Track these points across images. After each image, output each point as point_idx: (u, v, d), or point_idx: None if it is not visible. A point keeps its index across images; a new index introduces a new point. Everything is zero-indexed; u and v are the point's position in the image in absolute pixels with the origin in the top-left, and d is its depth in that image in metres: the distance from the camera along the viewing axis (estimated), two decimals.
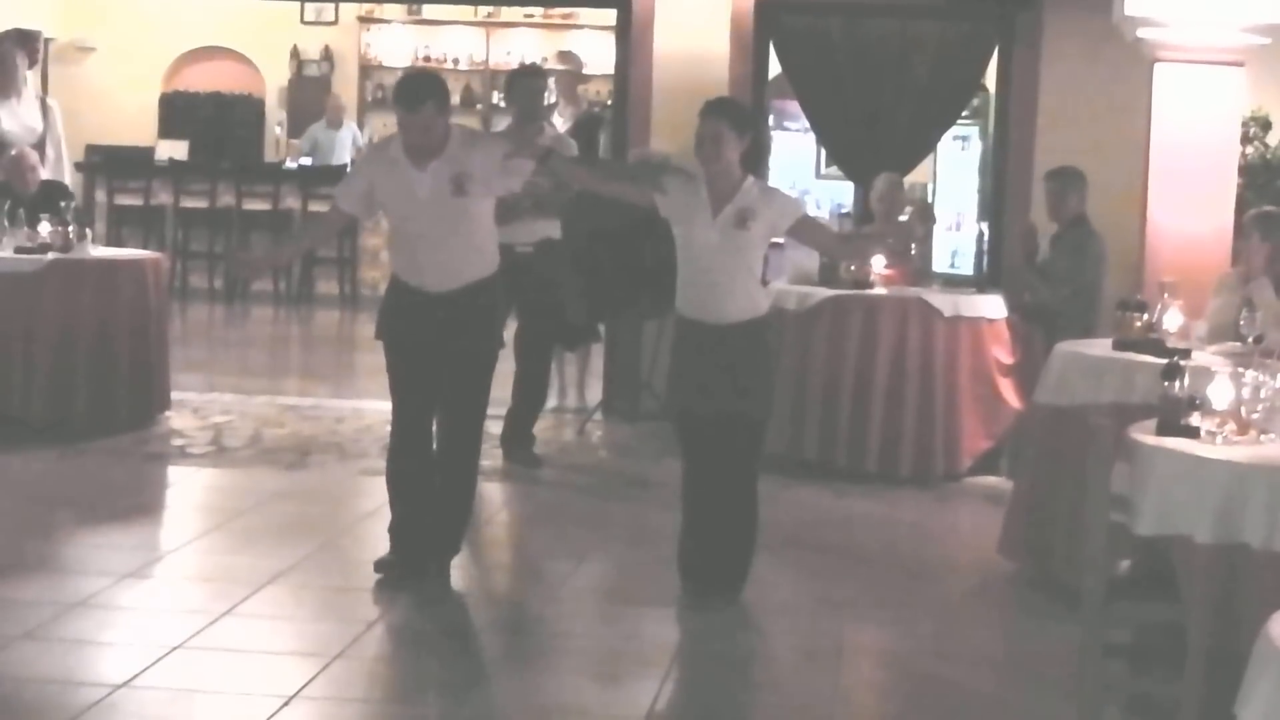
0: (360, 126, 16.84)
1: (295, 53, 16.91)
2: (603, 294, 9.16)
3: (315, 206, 15.35)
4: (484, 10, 16.78)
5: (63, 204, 9.18)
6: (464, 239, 6.17)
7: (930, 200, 9.01)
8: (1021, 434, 8.08)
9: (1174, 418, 4.70)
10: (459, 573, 6.76)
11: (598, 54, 15.04)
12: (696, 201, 6.05)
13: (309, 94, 16.86)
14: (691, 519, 6.25)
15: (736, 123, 6.09)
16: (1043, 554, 6.55)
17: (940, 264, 10.91)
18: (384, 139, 6.57)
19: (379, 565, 6.29)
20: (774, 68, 10.76)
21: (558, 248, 8.42)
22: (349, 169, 6.77)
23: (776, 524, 7.61)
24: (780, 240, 6.39)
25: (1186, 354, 5.95)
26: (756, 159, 6.24)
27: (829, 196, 13.31)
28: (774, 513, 7.79)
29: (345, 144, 15.77)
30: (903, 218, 9.31)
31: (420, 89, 6.07)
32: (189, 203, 15.47)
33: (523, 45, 16.59)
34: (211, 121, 16.48)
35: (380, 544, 6.52)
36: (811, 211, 8.54)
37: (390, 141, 6.29)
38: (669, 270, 6.28)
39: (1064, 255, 8.69)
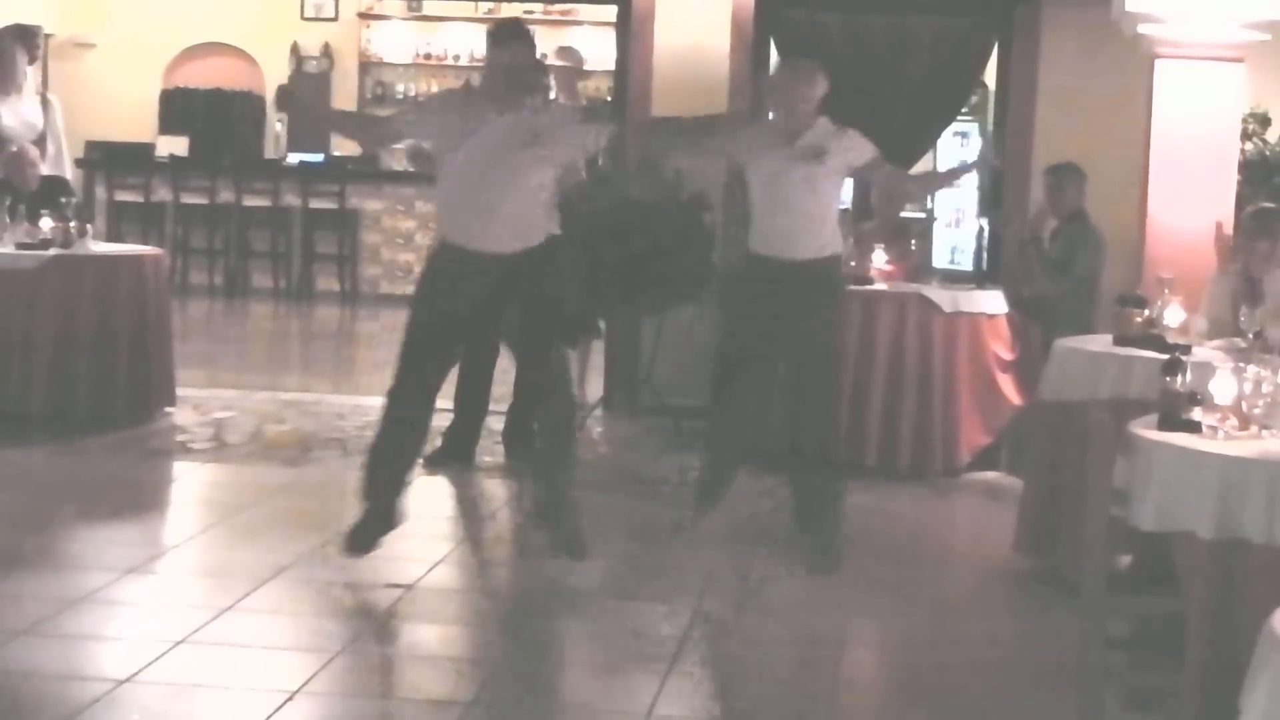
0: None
1: (295, 49, 16.90)
2: (603, 289, 9.15)
3: (316, 203, 15.37)
4: (484, 6, 16.78)
5: (63, 200, 9.18)
6: (527, 195, 6.12)
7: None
8: (1021, 429, 8.09)
9: (1174, 413, 4.71)
10: (461, 569, 6.78)
11: (598, 50, 15.03)
12: (771, 139, 6.22)
13: (309, 90, 16.84)
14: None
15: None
16: (1046, 549, 6.56)
17: (940, 259, 10.93)
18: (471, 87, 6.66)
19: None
20: (774, 64, 10.76)
21: (558, 241, 8.41)
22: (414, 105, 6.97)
23: (775, 518, 7.62)
24: None
25: (1187, 349, 5.96)
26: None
27: None
28: (772, 509, 7.81)
29: None
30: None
31: (515, 27, 6.23)
32: (189, 199, 15.47)
33: None
34: (211, 118, 16.47)
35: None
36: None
37: (468, 90, 6.39)
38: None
39: (1062, 249, 8.71)
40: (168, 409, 9.22)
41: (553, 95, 9.27)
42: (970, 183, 12.12)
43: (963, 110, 11.15)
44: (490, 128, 6.04)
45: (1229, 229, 8.12)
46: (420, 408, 6.34)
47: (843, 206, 10.46)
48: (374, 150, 13.77)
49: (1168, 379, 4.77)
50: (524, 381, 8.55)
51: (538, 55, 6.30)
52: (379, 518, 6.32)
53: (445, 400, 8.62)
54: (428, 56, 17.02)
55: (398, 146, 6.41)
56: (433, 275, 6.29)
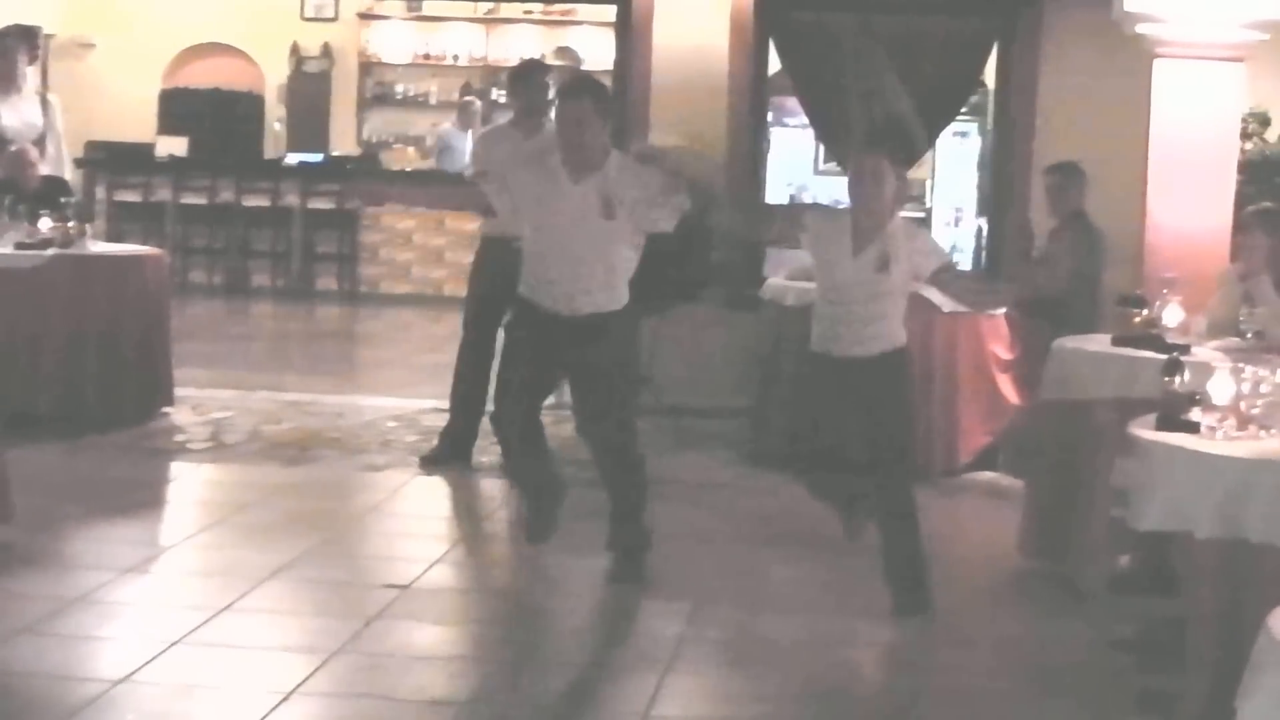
0: (360, 125, 16.84)
1: (295, 49, 16.91)
2: None
3: (315, 203, 15.37)
4: (484, 7, 16.80)
5: (63, 200, 9.18)
6: (601, 264, 6.03)
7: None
8: (1021, 430, 8.08)
9: (1175, 413, 4.70)
10: (458, 569, 6.77)
11: (597, 50, 15.05)
12: (841, 237, 5.98)
13: (309, 90, 16.86)
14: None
15: (895, 158, 6.10)
16: (1049, 549, 6.55)
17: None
18: (545, 137, 6.53)
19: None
20: (773, 64, 10.76)
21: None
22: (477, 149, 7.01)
23: (775, 520, 7.62)
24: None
25: (1187, 350, 5.95)
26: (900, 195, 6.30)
27: (827, 193, 13.30)
28: (773, 509, 7.80)
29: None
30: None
31: (579, 85, 6.09)
32: (189, 199, 15.47)
33: (522, 41, 16.58)
34: (212, 118, 16.48)
35: (379, 542, 6.53)
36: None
37: (548, 143, 6.18)
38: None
39: (1062, 249, 8.69)
40: (165, 409, 9.22)
41: (551, 95, 9.30)
42: (970, 181, 12.14)
43: (962, 110, 11.14)
44: (567, 195, 5.98)
45: (1220, 229, 8.11)
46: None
47: (842, 207, 10.45)
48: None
49: (1167, 379, 4.76)
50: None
51: (608, 114, 6.12)
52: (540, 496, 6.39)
53: (441, 401, 8.66)
54: (427, 56, 17.03)
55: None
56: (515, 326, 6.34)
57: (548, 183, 6.01)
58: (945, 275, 6.15)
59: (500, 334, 8.50)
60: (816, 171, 13.38)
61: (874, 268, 5.91)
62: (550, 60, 13.58)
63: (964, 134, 12.29)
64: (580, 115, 5.91)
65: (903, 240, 5.96)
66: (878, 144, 6.09)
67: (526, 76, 8.58)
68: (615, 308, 6.13)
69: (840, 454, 6.14)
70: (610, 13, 11.23)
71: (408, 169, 16.20)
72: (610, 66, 11.79)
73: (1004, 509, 7.45)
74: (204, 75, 16.91)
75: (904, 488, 6.12)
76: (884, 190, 5.91)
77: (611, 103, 6.11)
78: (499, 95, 15.93)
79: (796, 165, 13.22)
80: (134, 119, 16.18)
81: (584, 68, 14.74)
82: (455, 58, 17.01)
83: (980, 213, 11.34)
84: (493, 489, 8.21)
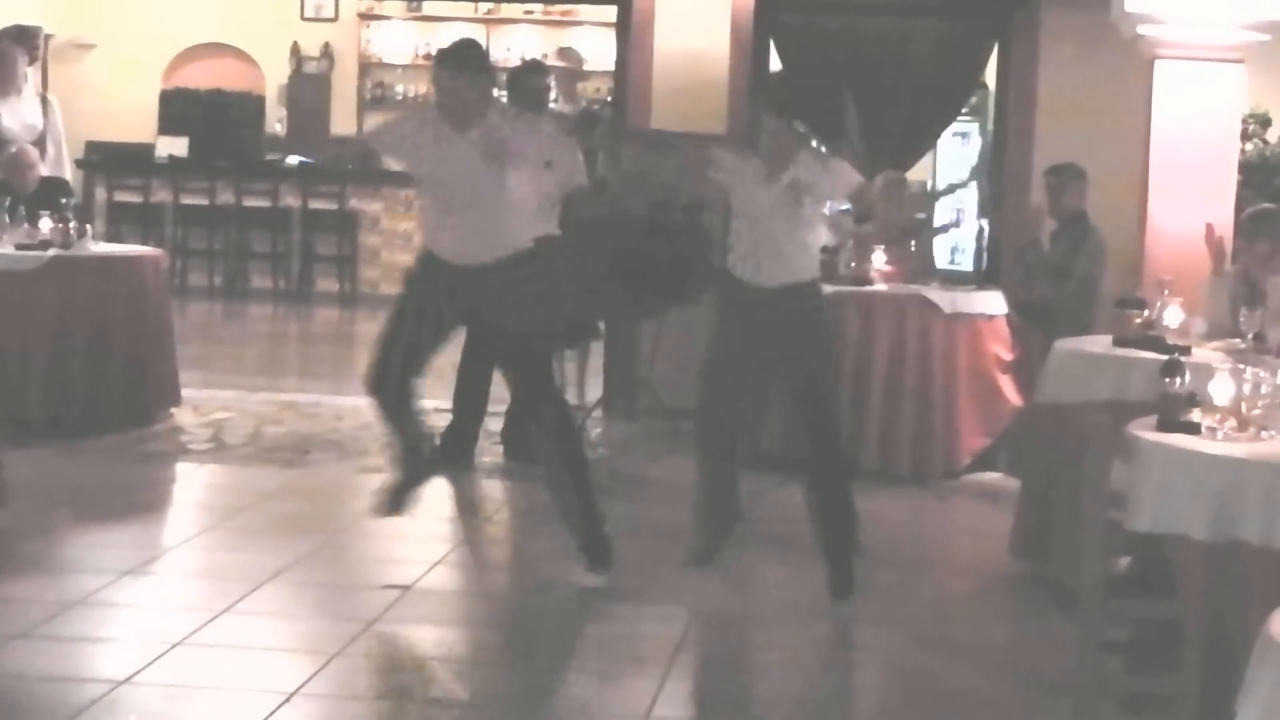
0: (360, 125, 16.84)
1: (295, 49, 16.91)
2: (603, 292, 9.15)
3: (315, 204, 15.37)
4: (484, 7, 16.80)
5: (63, 201, 9.18)
6: (498, 211, 6.12)
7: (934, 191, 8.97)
8: (1021, 431, 8.08)
9: (1174, 414, 4.70)
10: (459, 571, 6.77)
11: (598, 51, 15.05)
12: (752, 168, 6.22)
13: (309, 91, 16.86)
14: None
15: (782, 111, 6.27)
16: (1043, 552, 6.55)
17: (940, 260, 10.92)
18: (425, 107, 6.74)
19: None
20: (774, 65, 10.76)
21: (556, 244, 8.41)
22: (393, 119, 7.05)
23: (774, 521, 7.62)
24: None
25: (1186, 351, 5.95)
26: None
27: None
28: (772, 510, 7.80)
29: None
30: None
31: (457, 54, 6.16)
32: (189, 200, 15.47)
33: (523, 42, 16.59)
34: (211, 119, 16.47)
35: (380, 544, 6.53)
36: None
37: (430, 109, 6.35)
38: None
39: (1063, 251, 8.70)
40: (172, 409, 9.22)
41: (553, 96, 9.32)
42: (970, 183, 12.15)
43: (962, 111, 11.15)
44: (454, 148, 6.09)
45: (1220, 230, 8.11)
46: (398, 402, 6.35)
47: (844, 208, 10.45)
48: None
49: (1166, 381, 4.76)
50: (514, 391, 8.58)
51: (489, 78, 6.24)
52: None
53: (444, 401, 8.66)
54: (427, 57, 16.99)
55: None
56: (417, 280, 6.34)
57: (436, 139, 6.14)
58: (858, 195, 6.56)
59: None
60: None
61: (788, 197, 6.13)
62: (551, 61, 13.56)
63: (964, 135, 12.30)
64: (444, 82, 6.10)
65: (815, 167, 6.21)
66: (770, 106, 6.36)
67: (525, 78, 8.59)
68: (521, 249, 6.17)
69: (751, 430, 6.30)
70: (611, 13, 11.23)
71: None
72: (610, 67, 11.79)
73: (1002, 511, 7.44)
74: (204, 76, 16.92)
75: (841, 460, 6.46)
76: (780, 141, 6.18)
77: (484, 64, 6.24)
78: (499, 96, 15.91)
79: None
80: (133, 120, 16.19)
81: (585, 68, 14.74)
82: None
83: (981, 214, 11.34)
84: (494, 490, 8.22)
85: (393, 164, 7.78)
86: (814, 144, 6.60)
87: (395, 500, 6.48)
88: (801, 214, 6.20)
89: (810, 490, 6.39)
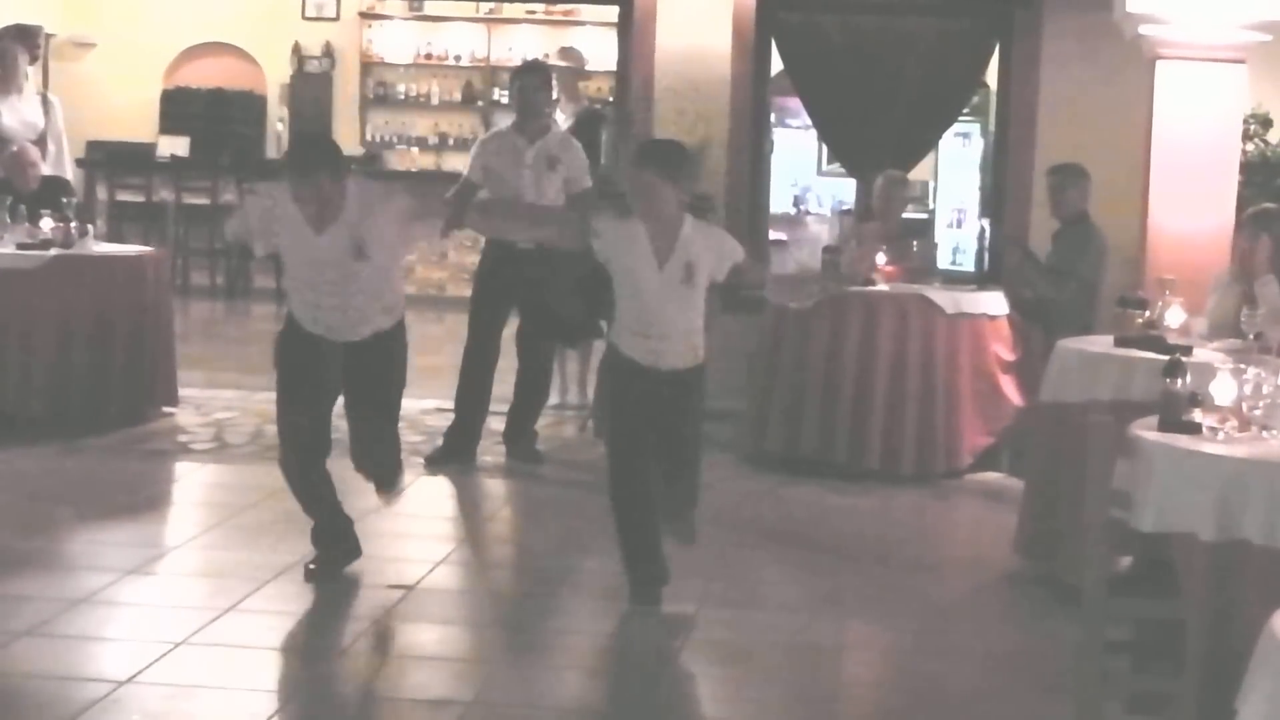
0: (363, 125, 16.83)
1: (297, 49, 16.90)
2: (603, 291, 9.15)
3: None
4: (485, 6, 16.78)
5: (64, 200, 9.19)
6: (367, 296, 6.06)
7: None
8: (1023, 431, 8.09)
9: (1175, 414, 4.71)
10: (462, 570, 6.78)
11: (599, 50, 15.05)
12: (637, 246, 5.78)
13: (310, 90, 16.86)
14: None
15: (666, 172, 5.76)
16: (1047, 551, 6.56)
17: (942, 261, 10.94)
18: (274, 187, 6.18)
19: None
20: (775, 64, 10.77)
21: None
22: (243, 206, 6.58)
23: (777, 521, 7.64)
24: (784, 237, 6.30)
25: (1188, 350, 5.96)
26: (693, 202, 6.09)
27: (830, 193, 13.33)
28: (774, 510, 7.83)
29: None
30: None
31: (311, 159, 5.91)
32: (190, 199, 15.44)
33: (524, 42, 16.58)
34: (212, 118, 16.46)
35: (383, 542, 6.53)
36: (813, 209, 8.57)
37: (281, 191, 6.01)
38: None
39: (1065, 251, 8.70)
40: (168, 409, 9.23)
41: (555, 96, 9.32)
42: (972, 182, 12.16)
43: (963, 112, 11.15)
44: (315, 244, 5.98)
45: (1220, 230, 8.11)
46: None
47: (845, 208, 10.43)
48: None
49: (1168, 380, 4.77)
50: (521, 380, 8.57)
51: (345, 170, 6.02)
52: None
53: (446, 401, 8.67)
54: (429, 56, 17.02)
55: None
56: (286, 349, 6.42)
57: (295, 232, 5.97)
58: (741, 271, 5.96)
59: (500, 335, 8.54)
60: (820, 172, 13.42)
61: (681, 279, 5.77)
62: (553, 61, 13.56)
63: (966, 135, 12.31)
64: (322, 194, 5.87)
65: (701, 245, 5.81)
66: (647, 159, 5.84)
67: (527, 78, 8.58)
68: (391, 326, 6.22)
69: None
70: (612, 13, 11.24)
71: (413, 170, 16.20)
72: (612, 67, 11.80)
73: (1004, 510, 7.46)
74: (205, 75, 16.90)
75: (696, 488, 6.21)
76: (662, 202, 5.72)
77: (341, 157, 6.03)
78: (500, 96, 15.94)
79: (799, 166, 13.26)
80: (135, 119, 16.18)
81: (587, 68, 14.74)
82: (457, 58, 17.00)
83: (982, 214, 11.35)
84: (497, 489, 8.23)
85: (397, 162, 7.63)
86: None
87: (325, 572, 6.24)
88: (693, 295, 5.83)
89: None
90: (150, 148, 15.75)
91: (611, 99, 13.26)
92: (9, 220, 8.97)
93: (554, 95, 9.26)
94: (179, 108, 16.56)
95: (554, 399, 9.51)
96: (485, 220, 6.44)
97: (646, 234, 5.76)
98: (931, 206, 12.75)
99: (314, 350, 6.15)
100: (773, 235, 11.28)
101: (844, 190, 12.22)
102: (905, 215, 9.78)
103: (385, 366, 6.23)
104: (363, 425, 6.31)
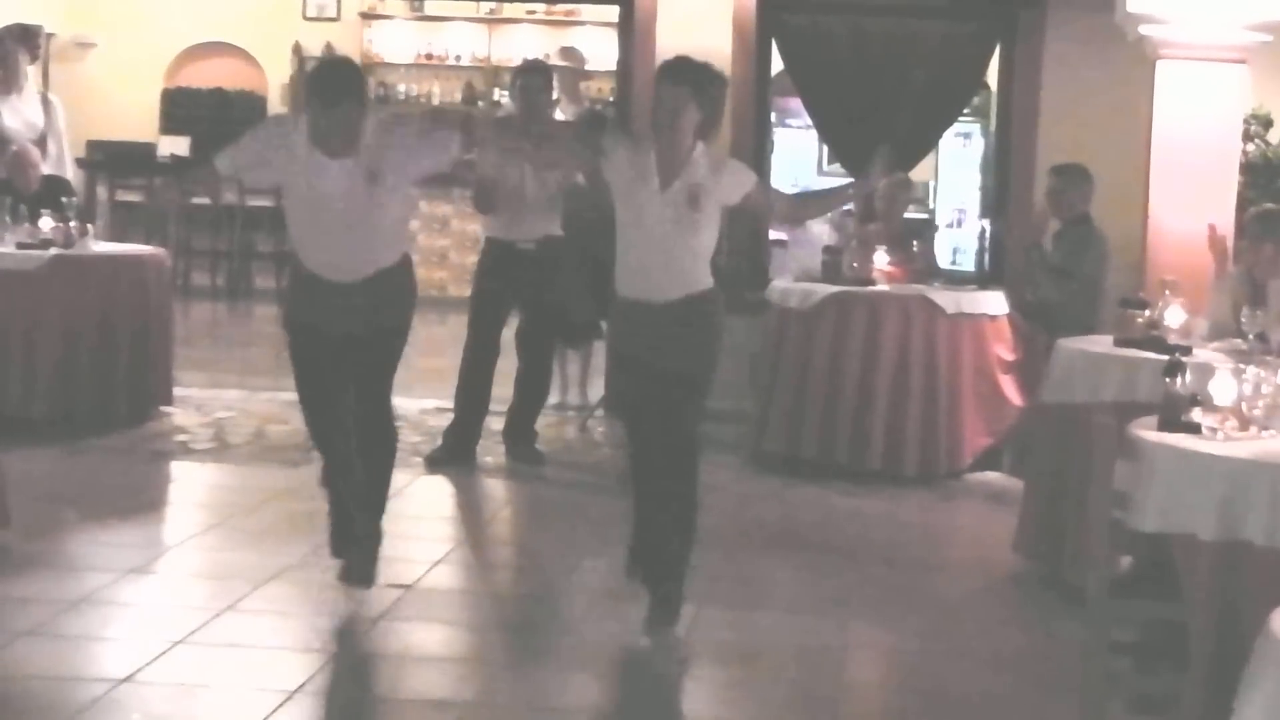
0: None
1: (297, 49, 16.90)
2: (605, 291, 9.16)
3: None
4: (486, 7, 16.78)
5: (64, 200, 9.19)
6: (374, 230, 5.85)
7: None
8: (1024, 431, 8.09)
9: (1176, 414, 4.70)
10: (462, 569, 6.77)
11: (600, 50, 15.04)
12: (643, 169, 5.56)
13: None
14: (641, 513, 5.85)
15: (699, 92, 5.52)
16: (1049, 552, 6.55)
17: (942, 261, 10.93)
18: (285, 118, 6.07)
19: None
20: (776, 64, 10.77)
21: (560, 244, 8.43)
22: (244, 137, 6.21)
23: (779, 521, 7.63)
24: (784, 237, 6.16)
25: (1188, 351, 5.96)
26: (711, 127, 5.69)
27: None
28: (776, 510, 7.82)
29: None
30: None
31: (338, 86, 5.71)
32: (191, 200, 15.45)
33: (525, 42, 16.57)
34: (213, 118, 16.45)
35: (383, 542, 6.53)
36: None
37: (296, 125, 5.86)
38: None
39: (1066, 252, 8.70)
40: (164, 409, 9.23)
41: (556, 96, 9.32)
42: (973, 183, 12.15)
43: (965, 112, 11.15)
44: (327, 175, 5.72)
45: (1222, 230, 8.11)
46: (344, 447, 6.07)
47: (847, 208, 10.45)
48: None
49: (1169, 381, 4.76)
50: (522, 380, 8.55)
51: (367, 99, 5.85)
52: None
53: (444, 401, 8.67)
54: (429, 56, 17.02)
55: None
56: (296, 301, 6.14)
57: (304, 164, 5.76)
58: (756, 197, 5.70)
59: (500, 335, 8.53)
60: (820, 172, 13.39)
61: (685, 201, 5.53)
62: (554, 61, 13.56)
63: (967, 135, 12.30)
64: (344, 121, 5.68)
65: (709, 171, 5.57)
66: (681, 78, 5.53)
67: (530, 78, 8.57)
68: (395, 262, 5.98)
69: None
70: (613, 13, 11.24)
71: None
72: (613, 67, 11.80)
73: (1005, 510, 7.46)
74: (206, 75, 16.91)
75: (695, 458, 5.71)
76: (684, 120, 5.49)
77: (365, 84, 5.88)
78: (501, 96, 15.94)
79: (800, 166, 13.24)
80: (135, 119, 16.18)
81: (588, 68, 14.73)
82: (458, 58, 17.00)
83: (983, 215, 11.35)
84: (497, 489, 8.23)
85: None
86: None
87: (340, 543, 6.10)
88: (698, 220, 5.58)
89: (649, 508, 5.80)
90: (150, 148, 15.76)
91: (612, 99, 13.26)
92: (9, 220, 8.96)
93: (554, 95, 9.26)
94: (180, 108, 16.57)
95: (554, 399, 9.50)
96: (498, 136, 6.14)
97: (654, 157, 5.58)
98: (932, 206, 12.74)
99: (322, 340, 5.93)
100: (773, 235, 11.26)
101: None
102: (905, 215, 9.76)
103: (391, 312, 5.99)
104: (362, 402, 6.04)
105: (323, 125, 5.68)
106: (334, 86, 5.70)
